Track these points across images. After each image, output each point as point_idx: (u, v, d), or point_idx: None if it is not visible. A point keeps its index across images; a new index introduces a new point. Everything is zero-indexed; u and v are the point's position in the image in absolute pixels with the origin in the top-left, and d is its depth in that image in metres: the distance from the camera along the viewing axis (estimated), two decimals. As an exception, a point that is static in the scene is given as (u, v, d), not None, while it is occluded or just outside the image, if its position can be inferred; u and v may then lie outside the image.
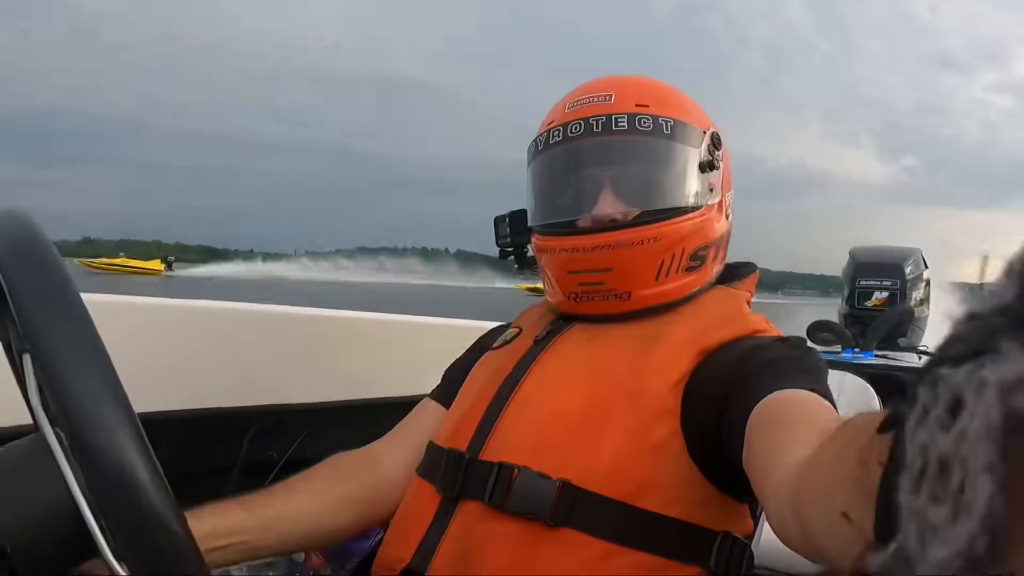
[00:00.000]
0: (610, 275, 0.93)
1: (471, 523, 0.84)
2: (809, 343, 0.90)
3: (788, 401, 0.71)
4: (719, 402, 0.80)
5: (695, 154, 0.95)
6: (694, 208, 0.95)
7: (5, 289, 0.50)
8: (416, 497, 0.92)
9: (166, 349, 1.27)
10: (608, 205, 0.94)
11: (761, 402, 0.73)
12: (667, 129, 0.93)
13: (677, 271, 0.94)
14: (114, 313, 1.18)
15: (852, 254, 3.32)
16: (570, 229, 0.96)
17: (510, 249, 1.08)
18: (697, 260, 0.96)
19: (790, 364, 0.79)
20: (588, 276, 0.95)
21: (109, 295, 1.24)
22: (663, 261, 0.93)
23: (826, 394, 0.74)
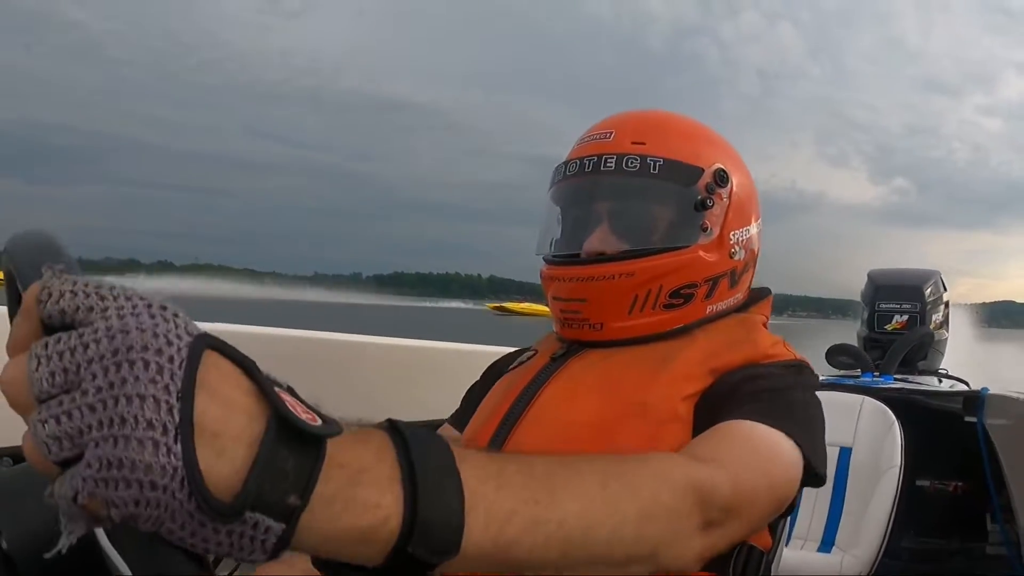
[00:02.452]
0: (585, 305, 0.97)
1: None
2: (821, 374, 0.91)
3: (709, 432, 0.78)
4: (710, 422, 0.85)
5: (686, 193, 0.97)
6: (679, 247, 0.96)
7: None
8: None
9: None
10: (598, 240, 0.97)
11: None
12: (655, 169, 0.95)
13: (653, 307, 0.96)
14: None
15: (871, 277, 3.29)
16: (562, 260, 1.02)
17: None
18: (679, 298, 0.97)
19: (757, 398, 0.83)
20: (568, 304, 0.99)
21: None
22: (636, 296, 0.96)
23: (788, 430, 0.78)
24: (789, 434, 0.79)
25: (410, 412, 1.54)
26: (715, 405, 0.85)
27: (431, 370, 1.67)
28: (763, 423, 0.78)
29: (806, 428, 0.83)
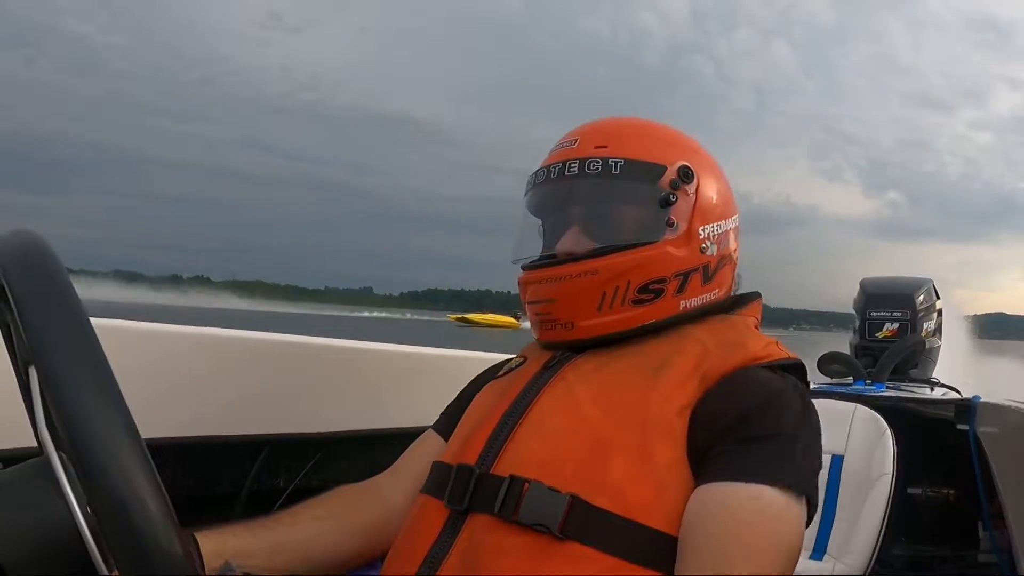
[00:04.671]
0: (555, 305, 1.01)
1: (479, 535, 0.85)
2: (813, 383, 0.93)
3: (713, 505, 0.81)
4: (705, 450, 0.86)
5: (649, 190, 0.99)
6: (644, 243, 0.99)
7: (13, 304, 0.51)
8: (422, 513, 0.93)
9: (173, 376, 1.27)
10: (568, 242, 1.01)
11: (702, 488, 0.83)
12: (616, 169, 0.98)
13: (623, 303, 0.98)
14: (124, 339, 1.18)
15: (863, 285, 3.30)
16: (530, 264, 1.06)
17: None
18: (649, 293, 0.98)
19: (758, 448, 0.85)
20: (540, 306, 1.03)
21: (120, 321, 1.25)
22: (604, 293, 0.98)
23: (775, 479, 0.82)
24: (792, 484, 0.82)
25: (396, 418, 1.54)
26: (710, 441, 0.86)
27: (425, 376, 1.66)
28: (765, 482, 0.81)
29: (805, 466, 0.86)
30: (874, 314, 3.14)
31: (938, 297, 3.24)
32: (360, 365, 1.59)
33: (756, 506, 0.80)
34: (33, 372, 0.55)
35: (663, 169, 1.00)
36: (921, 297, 3.14)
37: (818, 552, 1.67)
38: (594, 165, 0.98)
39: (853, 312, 3.32)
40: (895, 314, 3.11)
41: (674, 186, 0.99)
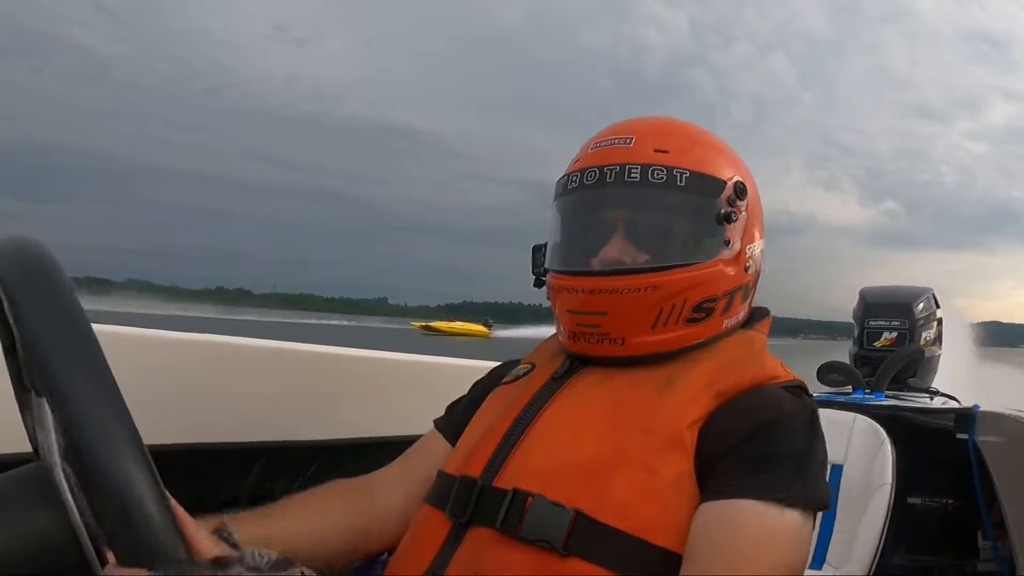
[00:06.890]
0: (606, 319, 0.94)
1: (481, 549, 0.84)
2: (817, 397, 0.92)
3: (720, 520, 0.80)
4: (713, 465, 0.84)
5: (710, 206, 0.95)
6: (703, 260, 0.95)
7: (10, 309, 0.51)
8: (425, 523, 0.92)
9: (170, 382, 1.27)
10: (617, 250, 0.95)
11: (710, 504, 0.81)
12: (681, 181, 0.93)
13: (677, 322, 0.94)
14: (125, 345, 1.18)
15: (862, 294, 3.30)
16: (578, 269, 0.99)
17: (544, 279, 1.06)
18: (701, 312, 0.95)
19: (770, 465, 0.83)
20: (585, 318, 0.96)
21: (121, 327, 1.24)
22: (662, 310, 0.93)
23: (783, 498, 0.80)
24: (803, 502, 0.82)
25: (396, 426, 1.54)
26: (718, 456, 0.85)
27: (423, 384, 1.66)
28: (772, 501, 0.80)
29: (818, 483, 0.86)
30: (872, 323, 3.14)
31: (938, 306, 3.24)
32: (359, 373, 1.59)
33: (762, 524, 0.79)
34: (44, 399, 0.55)
35: (723, 184, 0.96)
36: (920, 306, 3.13)
37: (817, 562, 1.66)
38: (659, 174, 0.92)
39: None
40: (893, 323, 3.10)
41: (731, 203, 0.96)
